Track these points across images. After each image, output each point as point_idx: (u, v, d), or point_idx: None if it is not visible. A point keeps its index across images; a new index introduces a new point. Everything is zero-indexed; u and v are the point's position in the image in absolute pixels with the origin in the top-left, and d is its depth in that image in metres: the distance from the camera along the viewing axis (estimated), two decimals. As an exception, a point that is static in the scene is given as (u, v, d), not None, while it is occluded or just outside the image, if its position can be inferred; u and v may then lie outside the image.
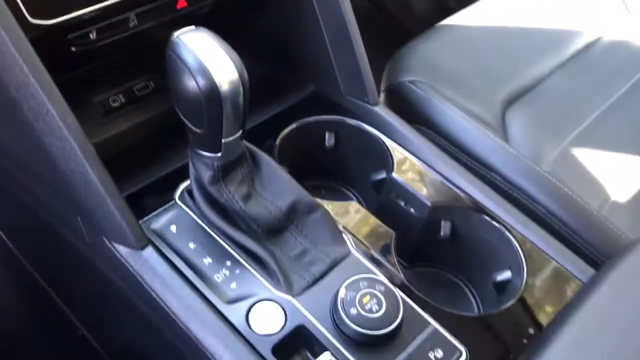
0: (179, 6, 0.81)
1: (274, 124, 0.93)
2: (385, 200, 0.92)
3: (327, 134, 0.96)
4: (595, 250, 0.98)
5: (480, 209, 0.87)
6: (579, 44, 1.37)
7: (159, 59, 0.91)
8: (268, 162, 0.78)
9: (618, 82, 1.30)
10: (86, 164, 0.68)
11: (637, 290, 0.62)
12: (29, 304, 1.26)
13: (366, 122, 0.95)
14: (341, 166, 0.98)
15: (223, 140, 0.69)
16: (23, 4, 0.66)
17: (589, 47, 1.37)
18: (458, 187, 0.89)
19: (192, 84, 0.63)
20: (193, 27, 0.65)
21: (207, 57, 0.63)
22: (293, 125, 0.93)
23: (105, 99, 0.91)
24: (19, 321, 1.24)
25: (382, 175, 0.92)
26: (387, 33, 1.56)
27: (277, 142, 0.90)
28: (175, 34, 0.65)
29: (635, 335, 0.57)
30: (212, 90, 0.63)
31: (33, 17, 0.67)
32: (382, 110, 0.96)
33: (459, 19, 1.37)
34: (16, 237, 1.14)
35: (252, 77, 0.67)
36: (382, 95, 1.23)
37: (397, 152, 0.93)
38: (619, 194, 1.09)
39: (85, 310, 1.08)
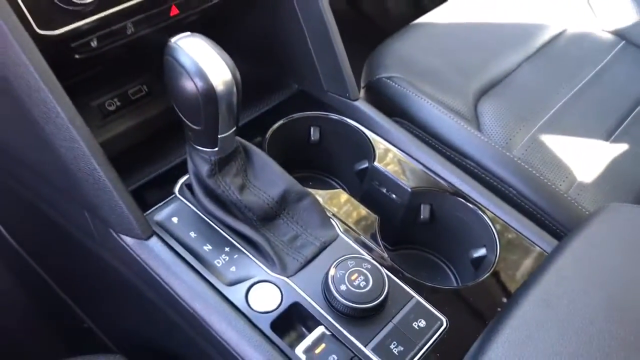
0: (171, 14, 0.87)
1: (263, 121, 1.00)
2: (368, 187, 0.98)
3: (312, 129, 1.02)
4: (563, 227, 1.06)
5: (456, 193, 0.94)
6: (544, 37, 1.44)
7: (150, 64, 0.98)
8: (260, 155, 0.84)
9: (582, 72, 1.37)
10: (94, 162, 0.73)
11: (593, 255, 0.69)
12: (33, 300, 1.29)
13: (348, 117, 1.02)
14: (326, 158, 1.05)
15: (219, 136, 0.75)
16: (31, 17, 0.72)
17: (553, 39, 1.45)
18: (435, 173, 0.96)
19: (190, 85, 0.69)
20: (188, 33, 0.71)
21: (203, 60, 0.69)
22: (280, 122, 1.00)
23: (102, 103, 0.96)
24: (25, 318, 1.28)
25: (365, 164, 0.99)
26: (365, 33, 1.62)
27: (267, 137, 0.96)
28: (173, 39, 0.70)
29: (590, 292, 0.65)
30: (209, 91, 0.69)
31: (40, 28, 0.73)
32: (362, 105, 1.02)
33: (432, 17, 1.44)
34: (21, 236, 1.18)
35: (241, 79, 0.73)
36: (362, 92, 1.30)
37: (378, 143, 0.99)
38: (585, 175, 1.16)
39: (91, 304, 1.13)
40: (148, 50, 0.88)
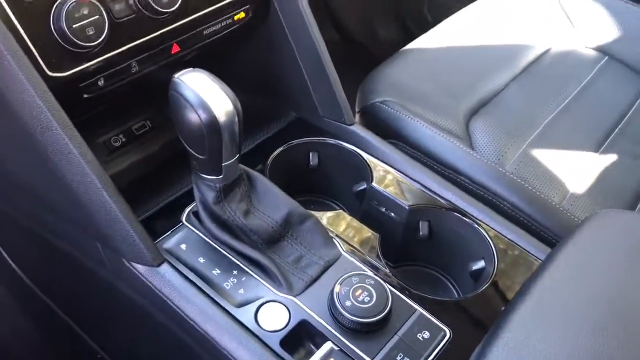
0: (172, 51, 0.92)
1: (264, 149, 1.04)
2: (367, 207, 1.01)
3: (311, 154, 1.06)
4: (557, 237, 1.08)
5: (453, 209, 0.97)
6: (529, 57, 1.48)
7: (152, 100, 1.02)
8: (262, 181, 0.88)
9: (568, 88, 1.41)
10: (105, 194, 0.77)
11: (584, 258, 0.72)
12: (44, 332, 1.30)
13: (345, 141, 1.06)
14: (325, 181, 1.08)
15: (223, 164, 0.79)
16: (42, 60, 0.76)
17: (539, 58, 1.49)
18: (432, 191, 1.00)
19: (195, 117, 0.73)
20: (191, 68, 0.75)
21: (206, 93, 0.73)
22: (280, 148, 1.04)
23: (107, 140, 1.00)
24: (36, 351, 1.29)
25: (363, 186, 1.02)
26: (357, 60, 1.67)
27: (268, 163, 1.00)
28: (176, 75, 0.74)
29: (583, 293, 0.68)
30: (212, 122, 0.73)
31: (51, 70, 0.77)
32: (358, 129, 1.06)
33: (420, 43, 1.48)
34: (28, 267, 1.20)
35: (242, 109, 0.77)
36: (357, 116, 1.33)
37: (375, 164, 1.03)
38: (577, 187, 1.20)
39: (103, 333, 1.15)
40: (151, 86, 0.92)
